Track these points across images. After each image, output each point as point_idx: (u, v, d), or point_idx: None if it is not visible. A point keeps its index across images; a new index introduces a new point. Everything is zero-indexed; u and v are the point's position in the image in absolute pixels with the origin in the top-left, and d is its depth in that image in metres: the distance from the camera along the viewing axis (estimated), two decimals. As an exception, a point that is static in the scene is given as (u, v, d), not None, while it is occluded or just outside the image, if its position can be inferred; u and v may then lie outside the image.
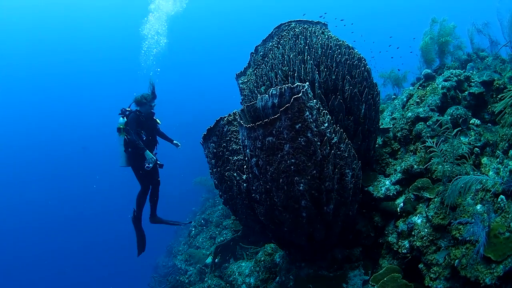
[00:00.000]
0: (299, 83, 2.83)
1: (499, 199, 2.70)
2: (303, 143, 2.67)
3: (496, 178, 2.92)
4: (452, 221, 2.71)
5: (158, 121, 5.70)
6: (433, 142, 3.00)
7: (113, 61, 39.01)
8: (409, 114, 4.01)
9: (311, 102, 2.78)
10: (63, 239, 22.65)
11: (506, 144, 3.17)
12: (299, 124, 2.62)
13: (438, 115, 3.83)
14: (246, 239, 6.24)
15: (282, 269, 4.30)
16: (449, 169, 2.88)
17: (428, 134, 3.62)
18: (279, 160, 2.76)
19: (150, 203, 5.79)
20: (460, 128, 3.52)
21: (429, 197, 3.12)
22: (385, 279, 2.99)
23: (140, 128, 5.31)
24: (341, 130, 3.05)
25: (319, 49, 3.71)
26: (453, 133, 2.82)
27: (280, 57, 3.91)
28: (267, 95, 3.03)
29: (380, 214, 3.54)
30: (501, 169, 2.97)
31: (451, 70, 4.35)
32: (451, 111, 3.68)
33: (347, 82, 3.54)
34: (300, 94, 2.61)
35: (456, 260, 2.52)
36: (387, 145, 4.10)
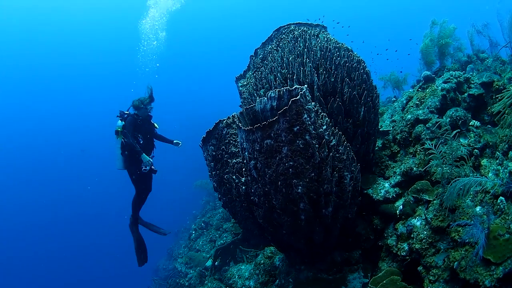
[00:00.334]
0: (297, 86, 2.84)
1: (498, 201, 2.69)
2: (301, 145, 2.66)
3: (496, 179, 2.91)
4: (451, 223, 2.69)
5: (156, 125, 5.71)
6: (432, 144, 2.99)
7: (112, 62, 38.73)
8: (409, 116, 4.00)
9: (309, 105, 2.78)
10: (62, 241, 22.63)
11: (506, 146, 3.16)
12: (297, 127, 2.63)
13: (438, 117, 3.82)
14: (246, 242, 6.23)
15: (281, 272, 4.28)
16: (448, 171, 2.87)
17: (427, 136, 3.62)
18: (277, 163, 2.76)
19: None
20: (459, 130, 3.51)
21: (428, 199, 3.11)
22: (384, 281, 2.97)
23: (137, 132, 5.34)
24: (340, 132, 3.05)
25: (318, 52, 3.71)
26: (452, 135, 2.81)
27: (279, 60, 3.92)
28: (265, 98, 3.04)
29: (380, 216, 3.53)
30: (501, 171, 2.96)
31: (450, 72, 4.34)
32: (451, 113, 3.67)
33: (346, 85, 3.54)
34: (298, 96, 2.61)
35: (455, 263, 2.51)
36: (387, 148, 4.09)
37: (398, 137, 4.00)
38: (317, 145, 2.76)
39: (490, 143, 3.37)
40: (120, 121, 5.30)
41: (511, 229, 2.50)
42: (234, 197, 3.56)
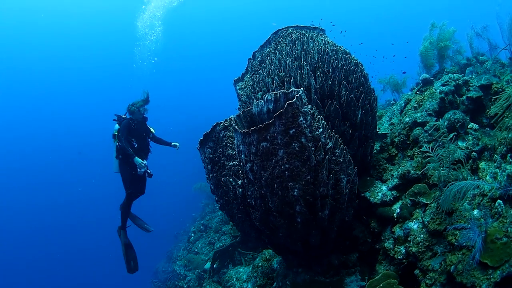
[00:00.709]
0: (293, 89, 2.84)
1: (496, 204, 2.67)
2: (297, 148, 2.66)
3: (494, 182, 2.89)
4: (448, 226, 2.68)
5: (152, 129, 5.72)
6: (429, 147, 2.98)
7: (108, 63, 38.59)
8: (407, 119, 4.00)
9: (306, 108, 2.78)
10: (61, 243, 22.59)
11: (504, 148, 3.15)
12: (293, 130, 2.62)
13: (436, 120, 3.81)
14: (245, 245, 6.22)
15: (279, 275, 4.27)
16: (445, 174, 2.86)
17: (425, 139, 3.60)
18: (273, 165, 2.75)
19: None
20: (457, 132, 3.50)
21: (425, 202, 3.09)
22: (381, 285, 2.95)
23: (132, 136, 5.36)
24: (337, 135, 3.05)
25: (316, 55, 3.72)
26: (448, 138, 2.80)
27: (277, 63, 3.92)
28: (262, 101, 3.04)
29: (377, 219, 3.51)
30: (499, 174, 2.94)
31: (449, 75, 4.33)
32: (449, 115, 3.66)
33: (344, 88, 3.54)
34: (294, 99, 2.61)
35: (452, 266, 2.49)
36: (385, 151, 4.08)
37: (396, 140, 3.99)
38: (313, 148, 2.76)
39: (489, 146, 3.35)
40: (117, 124, 5.35)
41: (509, 233, 2.48)
42: (231, 199, 3.56)
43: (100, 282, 17.53)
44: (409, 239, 2.96)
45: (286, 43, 4.09)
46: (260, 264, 4.89)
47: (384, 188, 3.59)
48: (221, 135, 3.60)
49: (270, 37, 4.40)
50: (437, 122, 3.58)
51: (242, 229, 3.87)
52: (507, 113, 2.98)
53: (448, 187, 2.57)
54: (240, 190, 3.35)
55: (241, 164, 3.13)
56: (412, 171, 3.43)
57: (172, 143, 5.90)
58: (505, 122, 3.04)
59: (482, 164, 3.22)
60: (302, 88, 2.85)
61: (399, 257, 3.01)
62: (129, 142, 5.27)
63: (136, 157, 5.09)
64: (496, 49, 4.83)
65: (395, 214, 3.31)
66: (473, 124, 3.64)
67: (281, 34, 4.29)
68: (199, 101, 38.44)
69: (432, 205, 2.99)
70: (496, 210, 2.63)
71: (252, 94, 4.09)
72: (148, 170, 5.55)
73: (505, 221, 2.55)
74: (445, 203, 2.61)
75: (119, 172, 5.40)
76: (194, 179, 12.33)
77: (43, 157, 32.39)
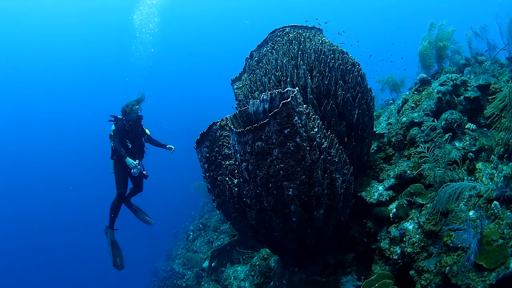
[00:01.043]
0: (289, 88, 2.83)
1: (492, 205, 2.66)
2: (292, 148, 2.66)
3: (490, 184, 2.88)
4: (443, 227, 2.67)
5: (147, 130, 5.72)
6: (425, 147, 2.97)
7: (106, 60, 38.08)
8: (404, 119, 3.98)
9: (301, 107, 2.78)
10: (59, 242, 22.62)
11: (502, 149, 3.13)
12: (288, 129, 2.62)
13: (433, 120, 3.80)
14: (243, 244, 6.22)
15: (276, 274, 4.27)
16: (440, 174, 2.85)
17: (422, 139, 3.59)
18: (268, 165, 2.75)
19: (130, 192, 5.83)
20: (452, 133, 3.48)
21: (421, 202, 3.08)
22: (376, 285, 2.95)
23: (126, 137, 5.36)
24: (332, 135, 3.04)
25: (313, 54, 3.71)
26: (444, 139, 2.79)
27: (274, 62, 3.91)
28: (258, 100, 3.03)
29: (373, 219, 3.51)
30: (495, 175, 2.93)
31: (447, 75, 4.32)
32: (446, 115, 3.64)
33: (340, 87, 3.53)
34: (289, 99, 2.61)
35: (447, 267, 2.48)
36: (382, 150, 4.07)
37: (393, 140, 3.98)
38: (308, 148, 2.75)
39: (486, 147, 3.34)
40: (113, 125, 5.35)
41: (505, 234, 2.47)
42: (227, 198, 3.56)
43: (99, 281, 17.57)
44: (404, 239, 2.96)
45: (283, 43, 4.08)
46: (257, 263, 4.89)
47: (380, 188, 3.58)
48: (218, 134, 3.60)
49: (267, 37, 4.40)
50: (433, 123, 3.57)
51: (239, 228, 3.87)
52: (504, 113, 2.97)
53: (442, 188, 2.55)
54: (236, 189, 3.35)
55: (237, 163, 3.12)
56: (408, 171, 3.42)
57: (167, 146, 5.90)
58: (503, 122, 3.03)
59: (479, 165, 3.20)
60: (297, 88, 2.84)
61: (394, 257, 3.01)
62: (123, 143, 5.28)
63: (128, 157, 5.07)
64: (495, 49, 4.81)
65: (391, 214, 3.30)
66: (470, 124, 3.63)
67: (278, 34, 4.29)
68: (200, 100, 38.38)
69: (428, 205, 2.98)
70: (492, 211, 2.62)
71: (249, 94, 4.08)
72: (143, 171, 5.56)
73: (501, 222, 2.54)
74: (440, 204, 2.60)
75: (114, 172, 5.41)
76: (194, 178, 12.35)
77: (40, 156, 32.22)
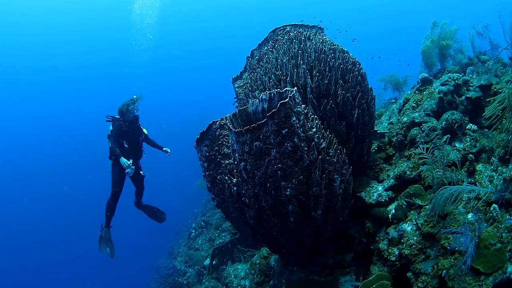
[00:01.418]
0: (287, 88, 2.83)
1: (491, 208, 2.64)
2: (289, 148, 2.66)
3: (489, 186, 2.86)
4: (441, 229, 2.66)
5: (145, 130, 5.74)
6: (424, 148, 2.96)
7: (105, 56, 37.88)
8: (405, 119, 3.96)
9: (299, 107, 2.77)
10: (59, 240, 22.71)
11: (502, 151, 3.10)
12: (286, 129, 2.62)
13: (434, 120, 3.77)
14: (244, 242, 6.24)
15: (275, 273, 4.29)
16: (439, 176, 2.84)
17: (422, 140, 3.57)
18: (266, 165, 2.76)
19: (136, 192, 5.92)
20: (450, 134, 3.45)
21: (420, 204, 3.07)
22: (374, 286, 2.95)
23: (123, 137, 5.38)
24: (330, 135, 3.04)
25: (313, 54, 3.69)
26: (443, 140, 2.77)
27: (274, 62, 3.91)
28: (257, 100, 3.04)
29: (372, 220, 3.50)
30: (495, 177, 2.90)
31: (449, 74, 4.28)
32: (447, 116, 3.61)
33: (340, 87, 3.52)
34: (287, 99, 2.61)
35: (444, 271, 2.47)
36: (382, 150, 4.06)
37: (394, 140, 3.96)
38: (306, 148, 2.75)
39: (487, 148, 3.31)
40: (111, 126, 5.38)
41: (504, 238, 2.44)
42: (226, 197, 3.57)
43: (101, 277, 17.73)
44: (402, 241, 2.95)
45: (283, 42, 4.07)
46: (257, 262, 4.91)
47: (380, 188, 3.57)
48: (217, 133, 3.61)
49: (268, 35, 4.39)
50: (432, 124, 3.55)
51: (238, 227, 3.89)
52: (506, 114, 2.94)
53: (439, 191, 2.54)
54: (235, 188, 3.36)
55: (235, 162, 3.14)
56: (408, 172, 3.40)
57: (164, 148, 5.92)
58: (503, 123, 3.00)
59: (479, 166, 3.17)
60: (295, 88, 2.84)
61: (392, 258, 3.00)
62: (120, 143, 5.30)
63: (122, 157, 5.07)
64: (498, 49, 4.76)
65: (390, 215, 3.29)
66: (471, 125, 3.59)
67: (279, 33, 4.28)
68: (203, 96, 38.31)
69: (427, 207, 2.96)
70: (491, 214, 2.59)
71: (250, 93, 4.09)
72: (141, 171, 5.59)
73: (500, 226, 2.51)
74: (437, 207, 2.59)
75: (111, 172, 5.45)
76: (196, 176, 12.38)
77: (39, 153, 32.14)
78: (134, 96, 5.46)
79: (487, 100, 3.72)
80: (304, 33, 4.09)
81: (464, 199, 2.79)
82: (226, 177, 3.47)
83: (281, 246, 3.50)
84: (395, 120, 4.33)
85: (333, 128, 3.47)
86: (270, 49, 4.19)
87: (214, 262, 6.26)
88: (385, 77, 6.19)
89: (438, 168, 2.85)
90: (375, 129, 4.65)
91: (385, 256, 3.13)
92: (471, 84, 4.04)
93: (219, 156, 3.61)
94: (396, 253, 3.00)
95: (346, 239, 3.71)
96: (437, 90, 4.02)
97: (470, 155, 3.19)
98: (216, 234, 7.64)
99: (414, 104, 4.09)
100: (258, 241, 3.86)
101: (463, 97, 3.90)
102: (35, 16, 33.49)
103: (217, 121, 3.64)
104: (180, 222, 12.05)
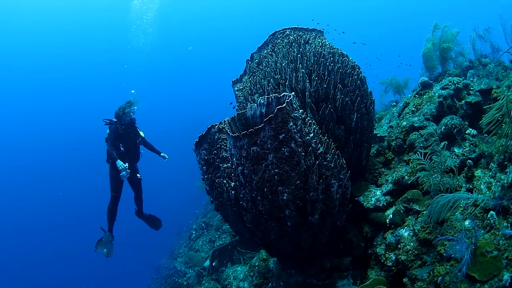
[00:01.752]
0: (285, 93, 2.84)
1: (489, 215, 2.63)
2: (286, 153, 2.67)
3: (487, 193, 2.85)
4: (438, 236, 2.65)
5: (142, 133, 5.76)
6: (422, 153, 2.95)
7: (104, 55, 37.64)
8: (404, 123, 3.95)
9: (296, 113, 2.78)
10: (60, 240, 22.72)
11: (501, 156, 3.09)
12: (283, 135, 2.63)
13: (433, 125, 3.76)
14: (244, 244, 6.26)
15: (274, 275, 4.30)
16: (436, 182, 2.83)
17: (421, 145, 3.56)
18: (263, 170, 2.77)
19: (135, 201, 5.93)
20: (450, 139, 3.44)
21: (418, 209, 3.07)
22: (371, 291, 2.95)
23: (120, 140, 5.40)
24: (328, 140, 3.04)
25: (312, 57, 3.69)
26: (440, 147, 2.77)
27: (273, 65, 3.91)
28: (255, 104, 3.05)
29: (370, 224, 3.50)
30: (493, 184, 2.89)
31: (449, 78, 4.26)
32: (446, 121, 3.60)
33: (339, 91, 3.51)
34: (284, 104, 2.61)
35: (440, 277, 2.47)
36: (381, 154, 4.05)
37: (393, 144, 3.95)
38: (303, 153, 2.76)
39: (486, 153, 3.29)
40: (108, 129, 5.41)
41: (500, 246, 2.43)
42: (225, 201, 3.58)
43: (102, 278, 17.80)
44: (399, 246, 2.95)
45: (283, 45, 4.08)
46: (256, 264, 4.92)
47: (378, 193, 3.57)
48: (216, 137, 3.63)
49: (267, 39, 4.39)
50: (431, 130, 3.53)
51: (237, 230, 3.90)
52: (505, 119, 2.92)
53: (435, 198, 2.53)
54: (232, 192, 3.37)
55: (233, 166, 3.15)
56: (406, 177, 3.40)
57: (162, 154, 5.94)
58: (503, 128, 2.98)
59: (478, 172, 3.16)
60: (293, 93, 2.84)
61: (389, 264, 3.00)
62: (116, 146, 5.32)
63: (118, 160, 5.09)
64: (499, 52, 4.74)
65: (387, 220, 3.29)
66: (471, 129, 3.58)
67: (278, 36, 4.28)
68: (204, 97, 38.28)
69: (424, 212, 2.96)
70: (489, 221, 2.58)
71: (249, 96, 4.09)
72: (138, 174, 5.61)
73: (497, 233, 2.50)
74: (433, 215, 2.59)
75: (109, 175, 5.48)
76: (198, 177, 12.40)
77: (38, 153, 32.06)
78: (131, 99, 5.48)
79: (484, 108, 3.71)
80: (304, 36, 4.09)
81: (461, 205, 2.78)
82: (225, 181, 3.48)
83: (279, 250, 3.50)
84: (395, 124, 4.33)
85: (331, 132, 3.47)
86: (270, 53, 4.19)
87: (214, 264, 6.28)
88: (386, 80, 6.17)
89: (435, 174, 2.84)
90: (375, 132, 4.64)
91: (382, 261, 3.13)
92: (471, 88, 4.03)
93: (217, 160, 3.62)
94: (393, 258, 2.99)
95: (344, 243, 3.71)
96: (437, 94, 4.01)
97: (469, 160, 3.18)
98: (217, 236, 7.66)
99: (413, 108, 4.08)
100: (256, 244, 3.87)
101: (463, 101, 3.89)
102: (33, 15, 33.39)
103: (216, 125, 3.65)
104: (181, 223, 12.08)
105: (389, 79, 6.12)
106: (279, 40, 4.22)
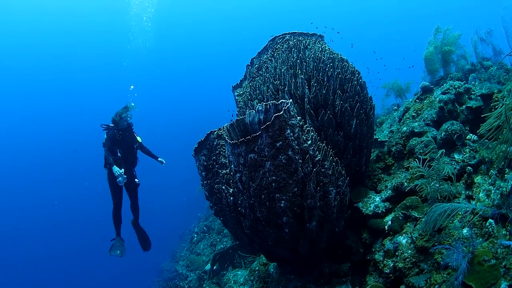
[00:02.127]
0: (283, 100, 2.84)
1: (487, 223, 2.60)
2: (283, 161, 2.67)
3: (487, 201, 2.82)
4: (436, 244, 2.63)
5: (139, 138, 5.78)
6: (421, 160, 2.93)
7: (104, 56, 37.86)
8: (404, 128, 3.93)
9: (294, 120, 2.78)
10: (61, 242, 22.82)
11: (502, 163, 3.06)
12: (280, 142, 2.63)
13: (434, 130, 3.74)
14: (245, 248, 6.26)
15: (273, 280, 4.30)
16: (434, 189, 2.81)
17: (421, 151, 3.54)
18: (261, 177, 2.77)
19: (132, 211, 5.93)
20: (450, 145, 3.41)
21: (417, 216, 3.04)
22: (369, 298, 2.94)
23: (117, 146, 5.42)
24: (326, 147, 3.03)
25: (311, 63, 3.69)
26: (439, 154, 2.75)
27: (273, 71, 3.92)
28: (254, 111, 3.06)
29: (369, 231, 3.48)
30: (492, 191, 2.86)
31: (450, 82, 4.23)
32: (446, 126, 3.57)
33: (338, 97, 3.51)
34: (282, 112, 2.62)
35: (437, 285, 2.45)
36: (381, 160, 4.03)
37: (393, 150, 3.93)
38: (300, 161, 2.76)
39: (486, 159, 3.26)
40: (105, 134, 5.44)
41: (499, 254, 2.41)
42: (224, 206, 3.60)
43: (103, 281, 17.86)
44: (397, 253, 2.93)
45: (282, 50, 4.08)
46: (257, 268, 4.92)
47: (377, 199, 3.55)
48: (215, 143, 3.64)
49: (267, 44, 4.40)
50: (430, 138, 3.51)
51: (236, 235, 3.91)
52: (505, 125, 2.89)
53: (432, 208, 2.52)
54: (231, 198, 3.38)
55: (231, 173, 3.15)
56: (405, 183, 3.38)
57: (159, 159, 5.96)
58: (504, 134, 2.95)
59: (477, 179, 3.13)
60: (291, 100, 2.84)
61: (386, 271, 2.98)
62: (113, 151, 5.35)
63: (115, 165, 5.10)
64: (501, 54, 4.70)
65: (386, 227, 3.27)
66: (471, 135, 3.54)
67: (278, 41, 4.28)
68: (206, 100, 38.29)
69: (423, 219, 2.94)
70: (487, 230, 2.56)
71: (249, 102, 4.10)
72: (136, 179, 5.63)
73: (495, 241, 2.48)
74: (429, 223, 2.57)
75: (107, 181, 5.51)
76: (199, 181, 12.40)
77: (38, 155, 32.21)
78: (127, 104, 5.50)
79: (483, 116, 3.68)
80: (304, 41, 4.09)
81: (460, 213, 2.75)
82: (223, 187, 3.49)
83: (277, 255, 3.50)
84: (396, 128, 4.30)
85: (330, 138, 3.47)
86: (269, 58, 4.20)
87: (215, 267, 6.29)
88: (388, 84, 6.14)
89: (433, 181, 2.82)
90: (376, 137, 4.62)
91: (380, 267, 3.11)
92: (472, 92, 3.99)
93: (216, 166, 3.63)
94: (391, 265, 2.97)
95: (343, 249, 3.69)
96: (437, 99, 3.98)
97: (468, 167, 3.15)
98: (218, 239, 7.67)
99: (414, 113, 4.06)
100: (255, 249, 3.87)
101: (464, 106, 3.86)
102: (33, 14, 33.47)
103: (215, 131, 3.67)
104: (184, 226, 12.11)
105: (390, 82, 6.09)
106: (278, 45, 4.22)
